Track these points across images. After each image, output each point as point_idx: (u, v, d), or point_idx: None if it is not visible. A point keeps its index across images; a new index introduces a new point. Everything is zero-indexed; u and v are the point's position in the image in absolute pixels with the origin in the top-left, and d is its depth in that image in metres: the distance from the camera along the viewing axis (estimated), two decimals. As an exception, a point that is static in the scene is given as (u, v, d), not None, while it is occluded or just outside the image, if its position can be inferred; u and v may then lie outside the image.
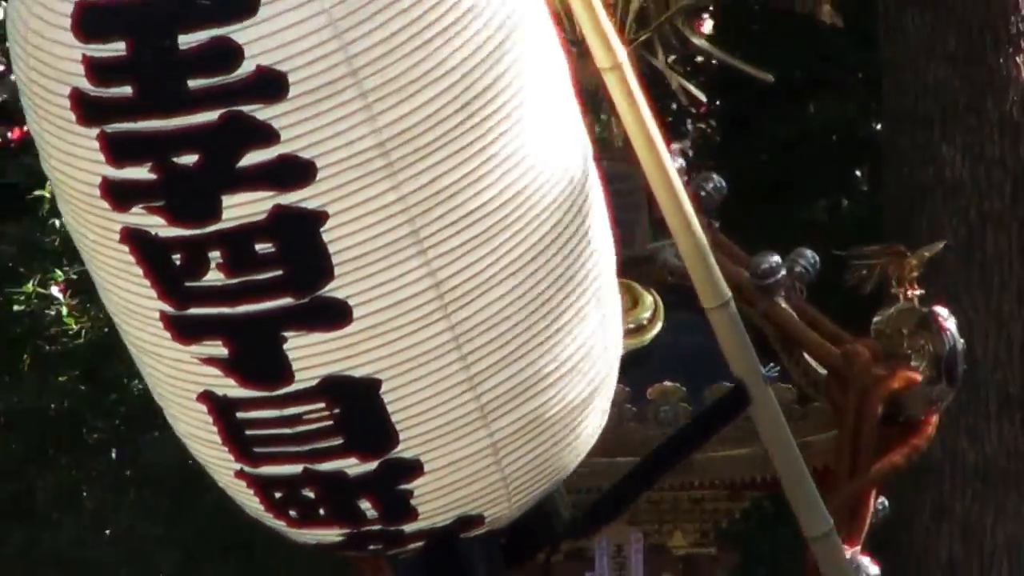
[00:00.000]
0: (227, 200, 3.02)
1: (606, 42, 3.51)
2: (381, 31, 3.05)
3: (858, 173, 13.23)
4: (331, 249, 3.07)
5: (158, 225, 3.06)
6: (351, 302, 3.11)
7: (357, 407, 3.22)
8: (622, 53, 3.51)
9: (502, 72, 3.18)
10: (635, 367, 6.04)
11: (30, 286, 12.31)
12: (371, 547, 3.46)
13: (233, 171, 3.00)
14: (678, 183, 3.53)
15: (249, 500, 3.48)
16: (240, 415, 3.22)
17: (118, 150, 3.00)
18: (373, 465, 3.23)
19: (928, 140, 11.03)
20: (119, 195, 3.07)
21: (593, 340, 3.39)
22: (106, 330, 11.67)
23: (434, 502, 3.32)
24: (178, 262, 3.08)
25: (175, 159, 2.99)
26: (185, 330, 3.16)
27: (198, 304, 3.11)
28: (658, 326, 6.12)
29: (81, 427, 13.07)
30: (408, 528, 3.35)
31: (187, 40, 2.95)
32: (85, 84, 2.98)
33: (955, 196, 10.73)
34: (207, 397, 3.22)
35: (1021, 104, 11.03)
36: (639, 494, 4.65)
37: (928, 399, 6.00)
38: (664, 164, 3.53)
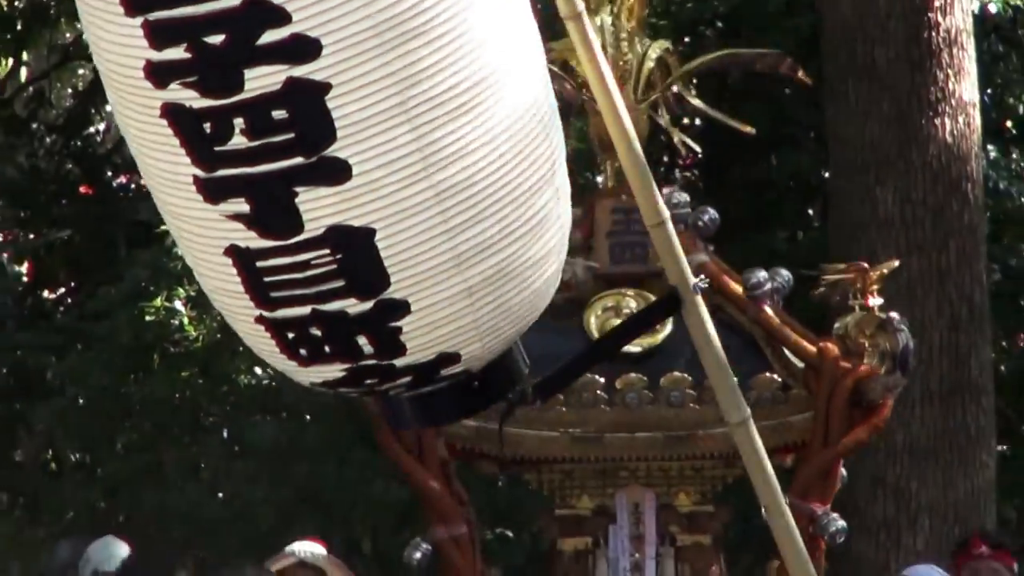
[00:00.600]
0: (248, 73, 3.03)
1: (567, -2, 3.69)
2: None
3: (811, 211, 13.20)
4: (334, 115, 3.09)
5: (192, 98, 3.07)
6: (351, 161, 3.11)
7: (356, 253, 3.20)
8: (581, 5, 3.56)
9: None
10: (651, 360, 5.94)
11: (159, 301, 12.25)
12: (367, 381, 3.41)
13: (254, 48, 3.02)
14: (626, 116, 3.61)
15: (266, 344, 3.41)
16: (259, 264, 3.20)
17: (159, 35, 3.01)
18: (369, 305, 3.22)
19: (865, 184, 11.10)
20: (160, 74, 3.06)
21: (548, 208, 3.36)
22: (219, 336, 11.64)
23: (419, 338, 3.27)
24: (208, 130, 3.09)
25: (206, 40, 3.01)
26: (214, 191, 3.15)
27: (224, 166, 3.11)
28: (668, 328, 5.95)
29: (199, 412, 13.13)
30: (398, 363, 3.30)
31: None
32: None
33: (887, 229, 10.86)
34: (232, 250, 3.21)
35: (939, 156, 11.07)
36: (590, 367, 5.03)
37: (886, 387, 5.91)
38: (613, 97, 3.57)
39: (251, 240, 3.19)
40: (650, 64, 6.13)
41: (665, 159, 12.52)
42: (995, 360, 11.68)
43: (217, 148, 3.10)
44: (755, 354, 6.09)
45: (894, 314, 6.04)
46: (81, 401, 13.94)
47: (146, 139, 3.22)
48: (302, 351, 3.34)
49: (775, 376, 6.00)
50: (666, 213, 3.62)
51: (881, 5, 11.16)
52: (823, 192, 12.10)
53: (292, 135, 3.09)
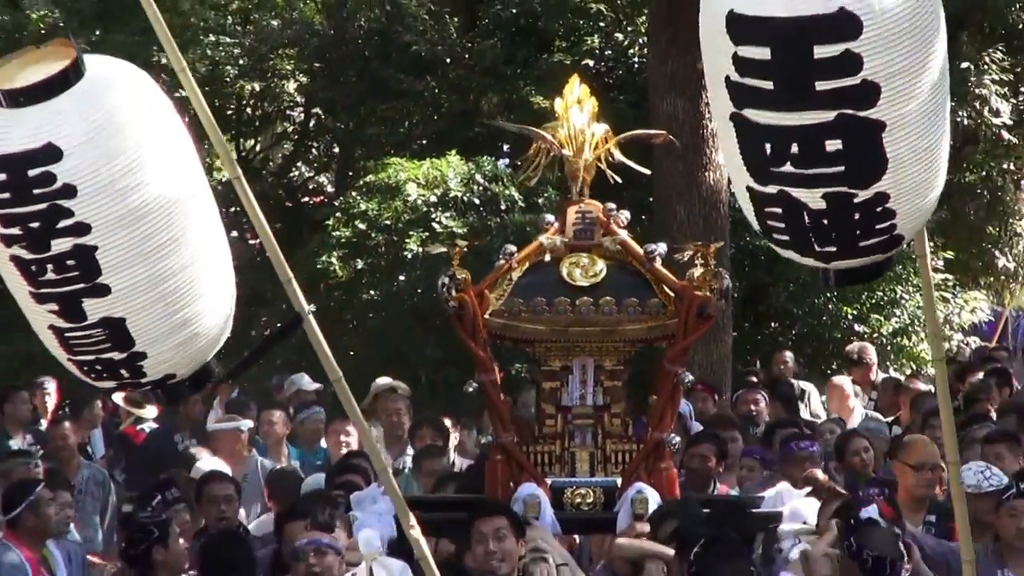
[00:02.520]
0: (54, 243, 2.74)
1: (230, 162, 3.36)
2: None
3: (643, 217, 12.68)
4: (100, 262, 2.76)
5: (24, 254, 2.75)
6: (111, 285, 2.79)
7: (116, 331, 2.89)
8: (239, 170, 3.32)
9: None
10: (594, 290, 5.27)
11: (324, 257, 11.22)
12: (127, 388, 3.33)
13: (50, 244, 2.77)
14: (273, 242, 3.33)
15: (75, 369, 3.10)
16: (66, 334, 2.91)
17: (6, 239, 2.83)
18: (125, 355, 2.94)
19: (673, 208, 10.71)
20: (6, 241, 2.77)
21: (216, 302, 3.02)
22: (353, 274, 10.83)
23: (154, 369, 2.99)
24: (34, 270, 2.78)
25: (31, 226, 2.76)
26: (40, 299, 2.86)
27: (46, 287, 2.80)
28: (603, 274, 5.45)
29: (342, 313, 11.84)
30: (143, 380, 3.03)
31: None
32: None
33: (682, 232, 10.05)
34: (52, 327, 2.92)
35: (708, 193, 10.63)
36: (246, 369, 4.70)
37: (715, 308, 5.29)
38: (267, 232, 3.34)
39: (61, 323, 2.89)
40: (598, 136, 5.52)
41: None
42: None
43: (40, 279, 2.81)
44: (648, 288, 5.45)
45: (722, 269, 5.44)
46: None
47: (6, 271, 2.88)
48: (92, 375, 3.05)
49: (659, 299, 5.38)
50: (288, 275, 3.35)
51: (681, 119, 10.61)
52: (652, 210, 11.24)
53: (77, 273, 2.80)
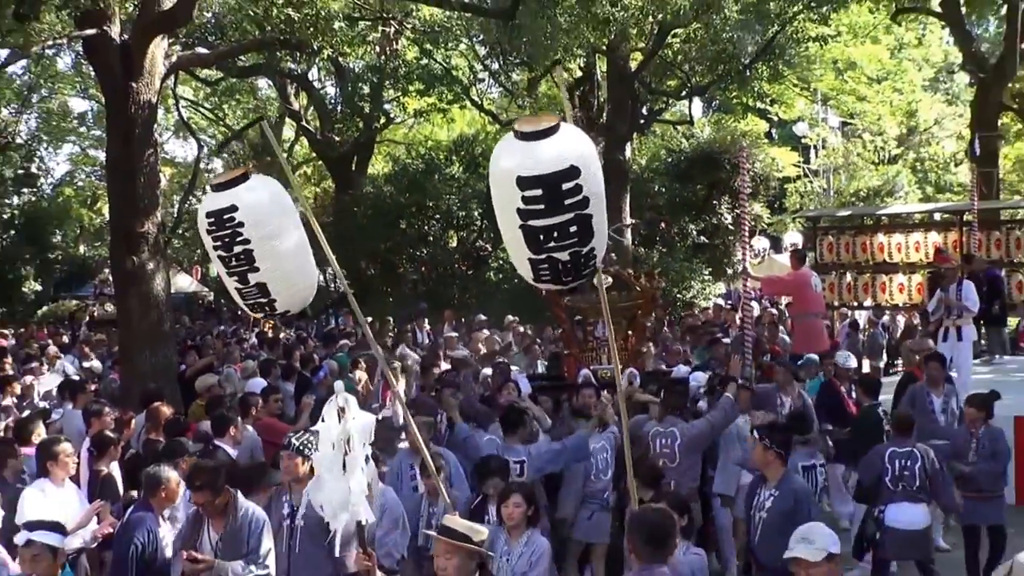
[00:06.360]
0: (235, 247, 2.29)
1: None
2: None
3: None
4: (255, 256, 2.29)
5: (222, 253, 2.31)
6: (260, 267, 2.30)
7: (262, 290, 2.36)
8: None
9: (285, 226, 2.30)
10: (614, 289, 5.28)
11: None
12: (264, 314, 2.43)
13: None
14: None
15: (241, 304, 2.45)
16: (240, 290, 2.40)
17: None
18: (267, 300, 2.37)
19: None
20: (213, 248, 2.32)
21: (309, 279, 2.44)
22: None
23: (280, 307, 2.39)
24: (226, 262, 2.32)
25: None
26: (229, 274, 2.34)
27: (232, 269, 2.31)
28: (610, 282, 5.29)
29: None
30: (275, 313, 2.41)
31: None
32: None
33: None
34: (235, 287, 2.39)
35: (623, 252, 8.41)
36: (321, 315, 2.88)
37: (657, 296, 5.27)
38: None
39: (238, 285, 2.33)
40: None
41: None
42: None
43: (229, 265, 2.29)
44: (629, 288, 5.40)
45: (662, 280, 5.41)
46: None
47: (216, 261, 2.36)
48: (252, 309, 2.42)
49: (635, 292, 5.34)
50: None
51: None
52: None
53: (244, 261, 2.28)
